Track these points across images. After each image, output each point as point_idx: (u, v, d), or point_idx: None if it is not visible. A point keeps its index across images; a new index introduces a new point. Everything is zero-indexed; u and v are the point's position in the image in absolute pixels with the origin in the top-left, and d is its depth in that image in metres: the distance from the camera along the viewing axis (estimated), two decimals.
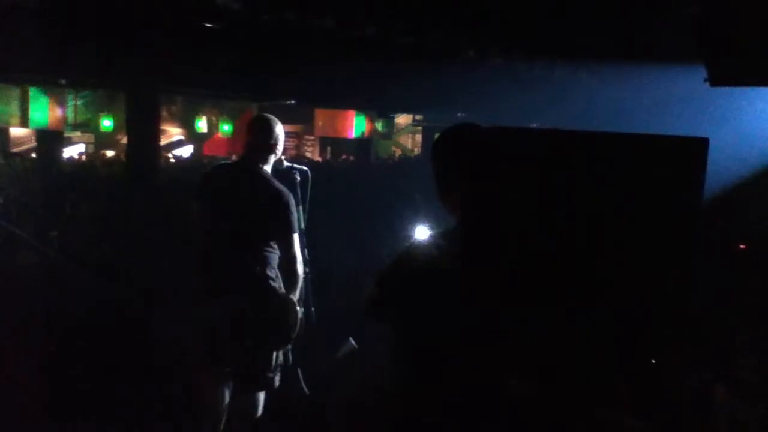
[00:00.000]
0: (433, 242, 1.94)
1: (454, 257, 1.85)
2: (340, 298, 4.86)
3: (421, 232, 2.94)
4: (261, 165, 3.47)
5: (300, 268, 3.42)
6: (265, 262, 3.38)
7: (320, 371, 4.08)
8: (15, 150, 14.26)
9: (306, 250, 3.68)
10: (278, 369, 3.47)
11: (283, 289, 3.41)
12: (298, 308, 3.41)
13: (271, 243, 3.41)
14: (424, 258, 1.91)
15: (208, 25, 6.90)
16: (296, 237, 3.39)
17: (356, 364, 3.90)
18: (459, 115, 13.41)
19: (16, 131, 14.63)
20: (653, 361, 1.95)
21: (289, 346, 3.49)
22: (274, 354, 3.42)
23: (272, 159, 3.53)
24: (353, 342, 3.86)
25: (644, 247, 1.91)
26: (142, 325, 5.17)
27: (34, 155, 13.80)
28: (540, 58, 7.84)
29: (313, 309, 3.79)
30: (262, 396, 3.51)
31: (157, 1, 6.21)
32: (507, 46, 7.61)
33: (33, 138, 14.35)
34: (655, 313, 1.91)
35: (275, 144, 3.51)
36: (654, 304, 1.91)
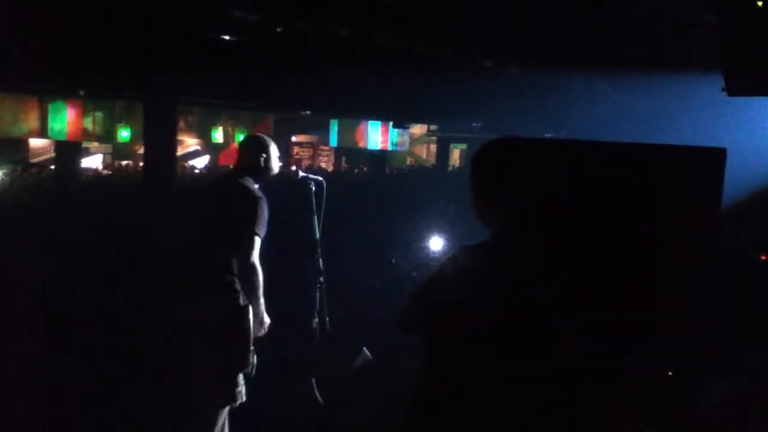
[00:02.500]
0: (473, 255, 1.93)
1: (496, 270, 1.85)
2: (355, 308, 4.86)
3: (457, 245, 2.92)
4: (247, 177, 3.47)
5: (258, 275, 3.32)
6: (233, 270, 3.33)
7: (334, 381, 4.08)
8: (34, 161, 14.44)
9: (321, 260, 3.68)
10: (240, 383, 3.35)
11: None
12: (250, 316, 3.32)
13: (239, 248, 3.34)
14: (463, 271, 1.89)
15: (225, 37, 6.97)
16: (257, 242, 3.30)
17: (371, 374, 3.89)
18: (474, 125, 13.41)
19: (35, 142, 14.83)
20: (670, 373, 1.93)
21: (254, 360, 3.37)
22: (234, 364, 3.32)
23: (264, 175, 3.53)
24: (368, 353, 3.85)
25: (663, 256, 1.90)
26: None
27: (53, 166, 13.97)
28: (556, 68, 7.83)
29: (328, 319, 3.79)
30: (222, 414, 3.39)
31: (174, 14, 6.28)
32: (522, 56, 7.61)
33: (52, 149, 14.52)
34: (674, 323, 1.90)
35: (267, 160, 3.52)
36: (672, 314, 1.90)
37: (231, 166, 4.11)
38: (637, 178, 1.96)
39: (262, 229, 3.30)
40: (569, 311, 1.81)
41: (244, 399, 3.37)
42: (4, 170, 9.46)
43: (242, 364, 3.33)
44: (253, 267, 3.28)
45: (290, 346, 4.08)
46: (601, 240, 1.92)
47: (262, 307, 3.37)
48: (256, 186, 3.44)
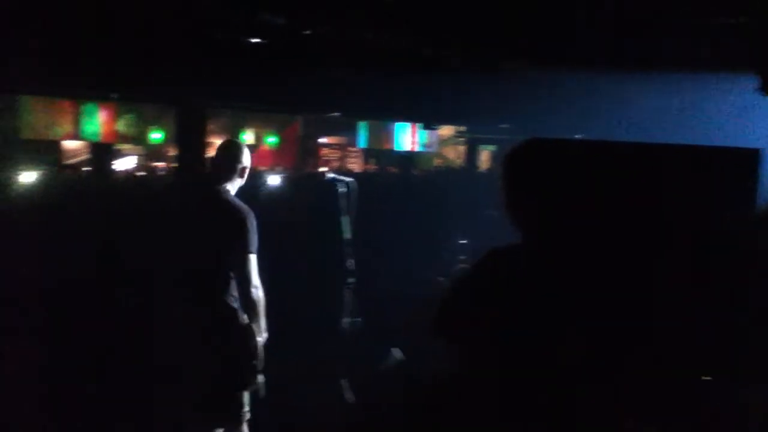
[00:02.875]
0: (503, 258, 1.92)
1: (526, 273, 1.85)
2: (385, 309, 4.87)
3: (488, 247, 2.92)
4: (226, 186, 3.39)
5: (257, 292, 3.24)
6: (228, 288, 3.27)
7: (365, 380, 4.09)
8: (67, 162, 14.71)
9: (352, 261, 3.70)
10: (245, 402, 3.31)
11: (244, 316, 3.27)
12: (258, 338, 3.26)
13: (233, 266, 3.29)
14: (496, 273, 1.89)
15: (253, 40, 7.04)
16: (254, 259, 3.24)
17: (400, 375, 3.90)
18: (503, 126, 13.34)
19: (68, 144, 15.09)
20: (707, 378, 1.91)
21: (261, 379, 3.31)
22: (240, 387, 3.27)
23: (238, 183, 3.46)
24: (398, 353, 3.86)
25: (697, 260, 1.88)
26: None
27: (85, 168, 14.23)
28: (584, 68, 7.76)
29: (359, 320, 3.81)
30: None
31: (202, 18, 6.36)
32: (551, 56, 7.56)
33: (85, 151, 14.77)
34: (709, 327, 1.88)
35: (244, 169, 3.45)
36: (708, 319, 1.88)
37: (207, 172, 4.09)
38: (668, 180, 1.94)
39: (255, 245, 3.24)
40: (599, 313, 1.80)
41: (248, 417, 3.31)
42: (39, 171, 9.65)
43: (246, 384, 3.28)
44: (255, 287, 3.23)
45: (321, 347, 4.10)
46: (632, 242, 1.91)
47: (264, 325, 3.29)
48: (234, 194, 3.38)
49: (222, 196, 3.32)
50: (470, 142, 18.25)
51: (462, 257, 5.69)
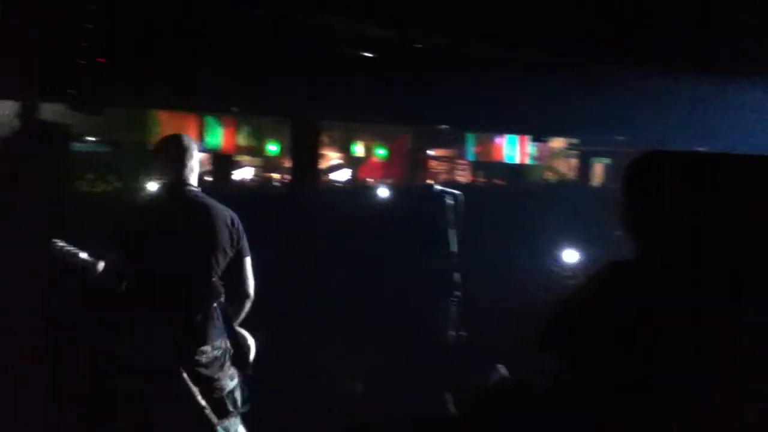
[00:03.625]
0: (619, 272, 1.88)
1: (648, 287, 1.80)
2: (490, 323, 4.81)
3: (600, 261, 2.84)
4: (196, 189, 3.13)
5: (249, 303, 3.13)
6: (218, 295, 3.09)
7: (468, 396, 4.05)
8: None
9: (458, 274, 3.69)
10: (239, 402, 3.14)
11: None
12: (251, 341, 3.16)
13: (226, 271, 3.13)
14: (614, 287, 1.86)
15: (365, 54, 7.20)
16: (249, 260, 3.12)
17: (505, 391, 3.83)
18: (618, 138, 12.89)
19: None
20: None
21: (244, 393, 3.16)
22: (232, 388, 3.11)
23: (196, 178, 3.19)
24: (503, 369, 3.80)
25: None
26: None
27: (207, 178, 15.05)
28: (708, 76, 7.36)
29: (464, 333, 3.78)
30: None
31: (315, 33, 6.58)
32: (671, 63, 7.23)
33: (208, 162, 15.64)
34: None
35: (196, 163, 3.17)
36: None
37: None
38: None
39: (247, 247, 3.12)
40: (718, 332, 1.71)
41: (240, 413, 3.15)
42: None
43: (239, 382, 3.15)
44: (249, 297, 3.14)
45: (424, 361, 4.11)
46: (758, 259, 1.81)
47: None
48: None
49: (203, 203, 3.10)
50: (583, 155, 17.76)
51: (569, 272, 5.53)
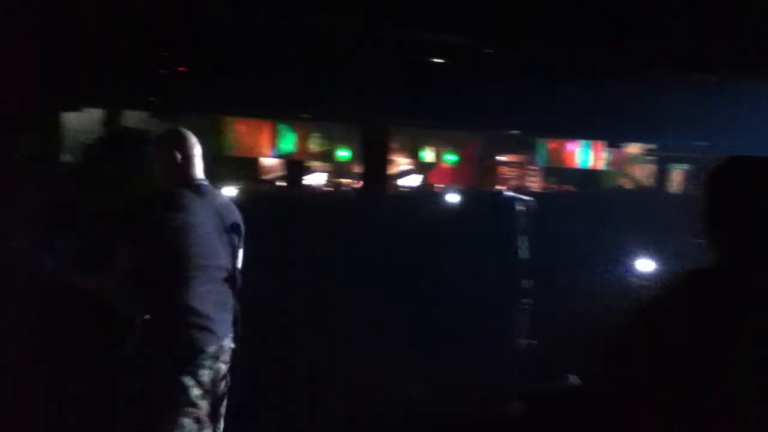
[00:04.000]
0: (696, 280, 1.84)
1: (730, 298, 1.76)
2: (561, 332, 4.73)
3: (677, 270, 2.77)
4: (209, 183, 3.07)
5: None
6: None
7: (537, 404, 4.00)
8: (263, 177, 16.03)
9: (528, 281, 3.65)
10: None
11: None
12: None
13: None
14: (687, 299, 1.82)
15: (436, 60, 7.21)
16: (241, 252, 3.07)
17: (576, 401, 3.76)
18: (698, 144, 12.44)
19: (264, 161, 16.36)
20: None
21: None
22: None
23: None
24: (576, 379, 3.74)
25: None
26: None
27: (278, 183, 15.38)
28: None
29: (534, 342, 3.74)
30: None
31: (386, 41, 6.65)
32: (752, 64, 6.93)
33: (280, 167, 15.98)
34: None
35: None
36: None
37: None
38: None
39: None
40: None
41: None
42: (241, 184, 10.62)
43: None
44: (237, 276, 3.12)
45: (494, 368, 4.07)
46: None
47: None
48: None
49: (226, 198, 3.15)
50: (660, 161, 17.22)
51: (644, 281, 5.37)
